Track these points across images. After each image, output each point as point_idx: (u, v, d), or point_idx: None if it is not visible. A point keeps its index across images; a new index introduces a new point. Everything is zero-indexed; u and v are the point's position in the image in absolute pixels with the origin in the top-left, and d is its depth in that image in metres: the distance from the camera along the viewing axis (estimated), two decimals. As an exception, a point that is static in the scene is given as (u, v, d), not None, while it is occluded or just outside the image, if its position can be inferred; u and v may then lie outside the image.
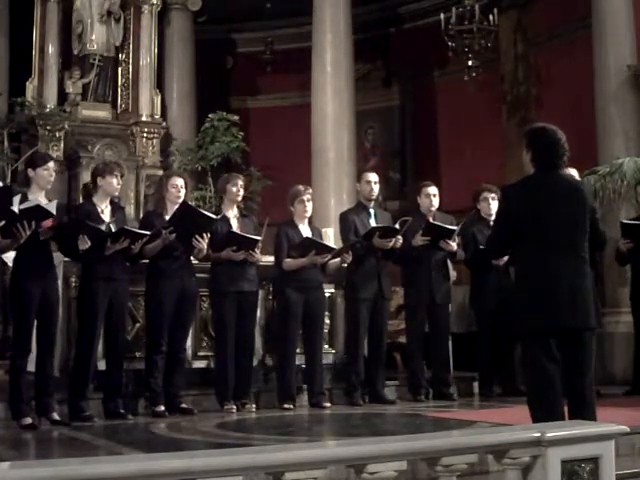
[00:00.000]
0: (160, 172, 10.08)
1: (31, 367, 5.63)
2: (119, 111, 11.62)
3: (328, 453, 2.99)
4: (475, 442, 3.21)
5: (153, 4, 11.67)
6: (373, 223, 6.98)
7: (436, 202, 7.25)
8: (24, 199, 5.55)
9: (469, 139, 12.01)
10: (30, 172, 5.73)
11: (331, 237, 8.00)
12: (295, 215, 6.80)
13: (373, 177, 7.10)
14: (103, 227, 5.91)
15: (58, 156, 10.29)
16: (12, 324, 6.01)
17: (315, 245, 6.65)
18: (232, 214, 6.65)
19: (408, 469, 3.10)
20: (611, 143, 8.94)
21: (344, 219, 7.09)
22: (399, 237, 6.79)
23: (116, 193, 6.35)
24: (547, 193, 4.20)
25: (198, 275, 6.46)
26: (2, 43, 11.16)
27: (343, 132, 10.88)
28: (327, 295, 7.12)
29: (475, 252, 7.20)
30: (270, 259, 6.92)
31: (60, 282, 6.13)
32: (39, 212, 5.38)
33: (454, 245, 7.07)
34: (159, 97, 11.71)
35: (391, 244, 6.78)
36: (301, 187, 6.86)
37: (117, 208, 6.32)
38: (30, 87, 10.94)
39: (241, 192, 6.71)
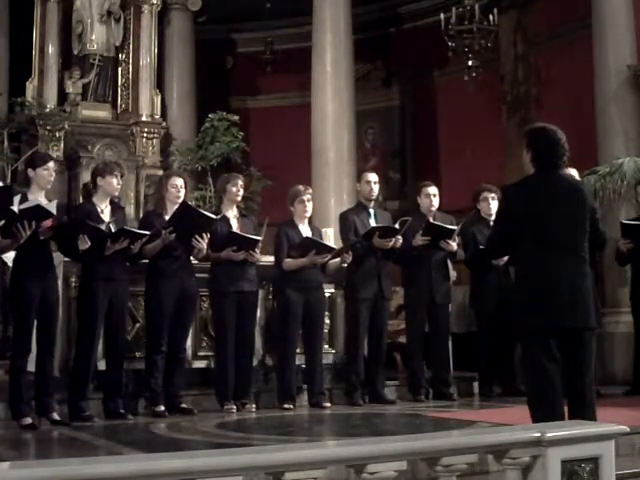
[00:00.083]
0: (160, 172, 10.08)
1: (31, 367, 5.63)
2: (119, 111, 11.62)
3: (328, 453, 2.99)
4: (475, 442, 3.21)
5: (153, 4, 11.67)
6: (373, 223, 6.98)
7: (436, 202, 7.25)
8: (24, 199, 5.55)
9: (469, 139, 12.01)
10: (30, 172, 5.73)
11: (331, 237, 8.00)
12: (295, 215, 6.80)
13: (373, 177, 7.10)
14: (103, 227, 5.90)
15: (58, 156, 10.29)
16: (12, 324, 6.01)
17: (315, 245, 6.65)
18: (232, 214, 6.64)
19: (408, 469, 3.10)
20: (611, 143, 8.94)
21: (344, 219, 7.09)
22: (399, 237, 6.80)
23: (116, 193, 6.35)
24: (547, 193, 4.20)
25: (198, 275, 6.46)
26: (2, 43, 11.16)
27: (343, 132, 10.88)
28: (327, 295, 7.12)
29: (475, 252, 7.20)
30: (270, 259, 6.92)
31: (60, 282, 6.13)
32: (39, 212, 5.38)
33: (454, 245, 7.07)
34: (159, 97, 11.71)
35: (391, 244, 6.78)
36: (301, 187, 6.86)
37: (117, 208, 6.32)
38: (30, 87, 10.94)
39: (241, 192, 6.71)
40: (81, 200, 9.46)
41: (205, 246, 6.25)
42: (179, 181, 6.43)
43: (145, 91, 11.56)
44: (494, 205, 7.26)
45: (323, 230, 7.67)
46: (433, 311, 7.17)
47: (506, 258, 6.70)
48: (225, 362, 6.42)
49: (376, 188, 7.08)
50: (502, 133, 11.63)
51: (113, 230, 5.93)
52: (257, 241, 6.44)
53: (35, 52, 11.05)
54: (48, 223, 5.42)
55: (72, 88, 11.22)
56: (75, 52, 11.42)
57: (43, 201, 5.61)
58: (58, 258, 5.97)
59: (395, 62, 13.42)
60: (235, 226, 6.57)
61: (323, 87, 10.95)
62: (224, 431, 5.46)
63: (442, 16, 10.94)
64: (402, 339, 8.24)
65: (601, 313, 7.58)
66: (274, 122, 13.39)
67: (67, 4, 11.36)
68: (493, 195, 7.38)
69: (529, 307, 4.12)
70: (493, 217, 6.64)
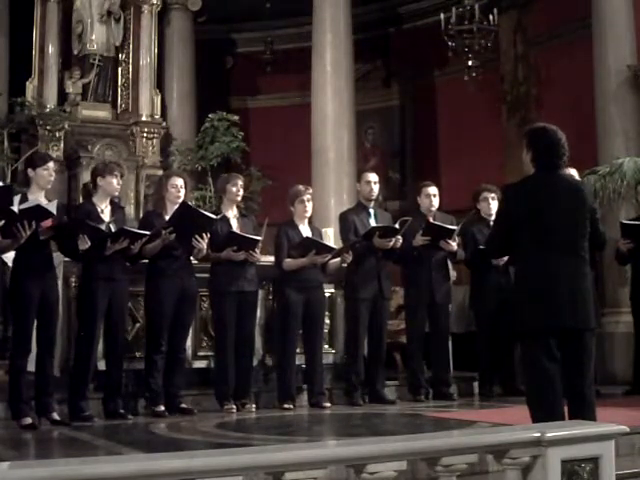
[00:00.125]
0: (160, 172, 10.08)
1: (31, 367, 5.63)
2: (119, 111, 11.62)
3: (328, 453, 2.99)
4: (475, 442, 3.21)
5: (153, 4, 11.67)
6: (373, 223, 6.98)
7: (436, 202, 7.25)
8: (24, 199, 5.55)
9: (469, 139, 12.01)
10: (30, 172, 5.73)
11: (331, 237, 8.00)
12: (295, 215, 6.80)
13: (373, 177, 7.10)
14: (103, 227, 5.90)
15: (58, 156, 10.30)
16: (12, 324, 6.00)
17: (315, 245, 6.65)
18: (232, 214, 6.64)
19: (408, 469, 3.09)
20: (611, 143, 8.93)
21: (344, 219, 7.09)
22: (399, 237, 6.79)
23: (116, 193, 6.35)
24: (547, 193, 4.19)
25: (198, 275, 6.46)
26: (2, 43, 11.17)
27: (343, 132, 10.87)
28: (327, 295, 7.12)
29: (475, 252, 7.20)
30: (270, 259, 6.92)
31: (60, 282, 6.13)
32: (39, 212, 5.38)
33: (454, 245, 7.07)
34: (159, 97, 11.71)
35: (391, 244, 6.78)
36: (301, 187, 6.86)
37: (117, 208, 6.32)
38: (30, 87, 10.94)
39: (241, 192, 6.71)
40: (81, 200, 9.47)
41: (205, 246, 6.25)
42: (179, 181, 6.43)
43: (145, 91, 11.56)
44: (494, 205, 7.26)
45: (323, 230, 7.67)
46: (433, 311, 7.17)
47: (506, 258, 6.70)
48: (225, 362, 6.42)
49: (376, 188, 7.08)
50: (502, 133, 11.63)
51: (113, 230, 5.93)
52: (257, 241, 6.44)
53: (35, 52, 11.06)
54: (48, 223, 5.42)
55: (72, 88, 11.22)
56: (75, 52, 11.42)
57: (43, 201, 5.61)
58: (58, 258, 5.97)
59: (395, 62, 13.42)
60: (235, 226, 6.57)
61: (323, 87, 10.95)
62: (224, 431, 5.46)
63: (442, 16, 10.94)
64: (402, 339, 8.24)
65: (600, 313, 7.60)
66: (274, 122, 13.39)
67: (67, 4, 11.36)
68: (493, 195, 7.38)
69: (529, 307, 4.12)
70: (493, 217, 6.65)
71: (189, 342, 6.68)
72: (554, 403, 4.03)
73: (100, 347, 6.05)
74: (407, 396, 7.18)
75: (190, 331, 6.63)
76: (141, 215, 9.44)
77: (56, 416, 5.64)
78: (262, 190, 11.58)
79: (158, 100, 11.67)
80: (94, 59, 11.29)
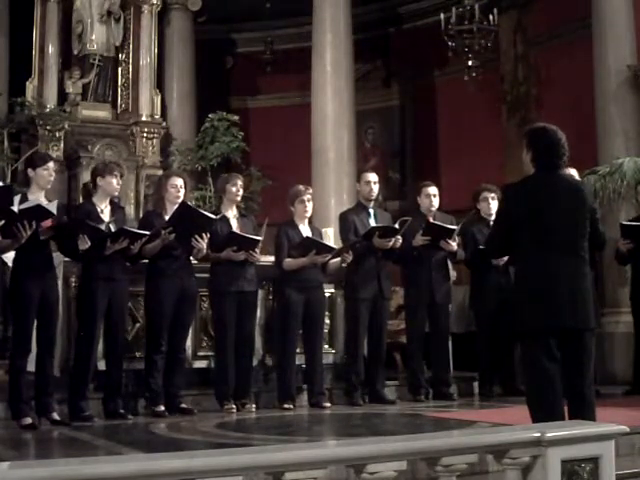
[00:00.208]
0: (160, 172, 10.07)
1: (31, 367, 5.63)
2: (119, 111, 11.62)
3: (328, 453, 2.99)
4: (475, 442, 3.21)
5: (153, 4, 11.67)
6: (373, 223, 6.98)
7: (436, 202, 7.25)
8: (24, 199, 5.55)
9: (469, 139, 12.01)
10: (30, 172, 5.73)
11: (331, 237, 8.00)
12: (295, 215, 6.80)
13: (373, 177, 7.10)
14: (103, 227, 5.90)
15: (58, 156, 10.30)
16: (12, 324, 6.00)
17: (315, 245, 6.65)
18: (231, 214, 6.64)
19: (408, 469, 3.09)
20: (611, 143, 8.93)
21: (344, 219, 7.09)
22: (399, 237, 6.79)
23: (116, 193, 6.35)
24: (547, 193, 4.19)
25: (198, 275, 6.46)
26: (2, 43, 11.16)
27: (343, 132, 10.87)
28: (327, 295, 7.12)
29: (475, 252, 7.20)
30: (270, 259, 6.92)
31: (60, 282, 6.13)
32: (39, 212, 5.38)
33: (454, 245, 7.07)
34: (159, 97, 11.71)
35: (391, 244, 6.78)
36: (301, 187, 6.86)
37: (117, 208, 6.32)
38: (30, 87, 10.94)
39: (240, 192, 6.71)
40: (81, 200, 9.47)
41: (205, 246, 6.25)
42: (179, 181, 6.43)
43: (145, 91, 11.56)
44: (494, 205, 7.26)
45: (323, 230, 7.67)
46: (433, 311, 7.17)
47: (506, 258, 6.70)
48: (225, 362, 6.42)
49: (376, 188, 7.08)
50: (502, 133, 11.63)
51: (113, 230, 5.93)
52: (257, 241, 6.44)
53: (35, 52, 11.06)
54: (48, 223, 5.42)
55: (72, 88, 11.22)
56: (75, 52, 11.42)
57: (43, 201, 5.61)
58: (58, 258, 5.97)
59: (395, 62, 13.42)
60: (235, 226, 6.57)
61: (323, 87, 10.95)
62: (224, 431, 5.46)
63: (442, 16, 10.94)
64: (402, 339, 8.24)
65: (600, 313, 7.60)
66: (274, 122, 13.39)
67: (67, 4, 11.36)
68: (493, 195, 7.38)
69: (529, 307, 4.12)
70: (493, 217, 6.64)
71: (189, 342, 6.68)
72: (554, 403, 4.03)
73: (100, 347, 6.05)
74: (407, 396, 7.18)
75: (190, 331, 6.63)
76: (141, 215, 9.44)
77: (56, 416, 5.64)
78: (262, 190, 11.58)
79: (158, 100, 11.67)
80: (94, 59, 11.29)
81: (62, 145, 10.80)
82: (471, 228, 7.42)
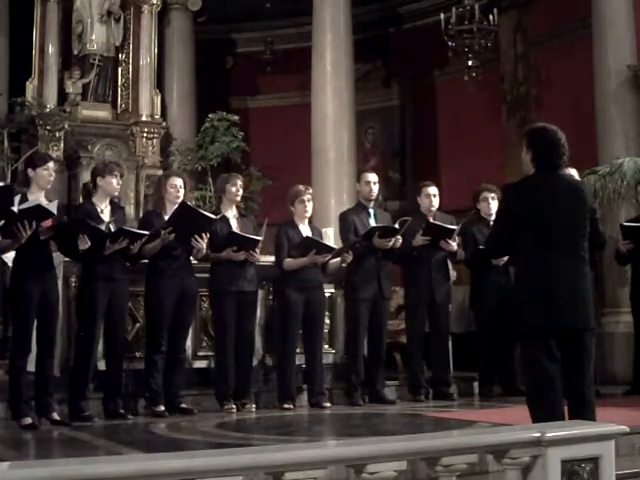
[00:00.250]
0: (160, 172, 10.07)
1: (31, 367, 5.63)
2: (119, 111, 11.62)
3: (328, 453, 2.99)
4: (475, 442, 3.21)
5: (153, 4, 11.67)
6: (373, 223, 6.98)
7: (436, 202, 7.25)
8: (24, 199, 5.55)
9: (469, 139, 12.01)
10: (30, 172, 5.73)
11: (331, 237, 8.00)
12: (295, 215, 6.80)
13: (372, 177, 7.10)
14: (103, 227, 5.90)
15: (58, 156, 10.30)
16: (12, 324, 6.00)
17: (315, 245, 6.65)
18: (231, 214, 6.65)
19: (408, 469, 3.09)
20: (611, 143, 8.94)
21: (344, 219, 7.09)
22: (399, 237, 6.79)
23: (116, 193, 6.35)
24: (547, 193, 4.19)
25: (198, 275, 6.46)
26: (2, 43, 11.16)
27: (343, 132, 10.88)
28: (327, 295, 7.12)
29: (475, 252, 7.20)
30: (270, 259, 6.92)
31: (60, 282, 6.13)
32: (39, 212, 5.38)
33: (454, 245, 7.07)
34: (159, 97, 11.71)
35: (391, 244, 6.78)
36: (301, 187, 6.86)
37: (117, 208, 6.32)
38: (30, 87, 10.94)
39: (240, 192, 6.71)
40: (81, 200, 9.46)
41: (204, 246, 6.25)
42: (178, 181, 6.43)
43: (145, 91, 11.56)
44: (494, 205, 7.26)
45: (323, 230, 7.67)
46: (433, 311, 7.17)
47: (506, 258, 6.70)
48: (225, 362, 6.42)
49: (376, 188, 7.08)
50: (502, 133, 11.63)
51: (113, 230, 5.93)
52: (257, 241, 6.44)
53: (35, 52, 11.06)
54: (48, 223, 5.42)
55: (72, 88, 11.22)
56: (75, 52, 11.42)
57: (43, 201, 5.61)
58: (58, 258, 5.97)
59: (395, 62, 13.42)
60: (235, 226, 6.57)
61: (323, 87, 10.95)
62: (224, 431, 5.46)
63: (442, 16, 10.94)
64: (402, 339, 8.24)
65: (600, 313, 7.59)
66: (274, 122, 13.39)
67: (67, 4, 11.36)
68: (493, 195, 7.38)
69: (529, 307, 4.12)
70: (493, 217, 6.64)
71: (189, 342, 6.68)
72: (554, 403, 4.03)
73: (100, 347, 6.05)
74: (407, 396, 7.18)
75: (190, 331, 6.63)
76: (141, 215, 9.44)
77: (56, 416, 5.64)
78: (262, 190, 11.58)
79: (158, 100, 11.67)
80: (94, 59, 11.29)
81: (62, 145, 10.80)
82: (471, 228, 7.42)
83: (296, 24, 13.15)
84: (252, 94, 14.04)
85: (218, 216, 6.45)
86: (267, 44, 13.68)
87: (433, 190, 7.27)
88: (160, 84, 11.90)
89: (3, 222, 5.22)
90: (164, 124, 11.72)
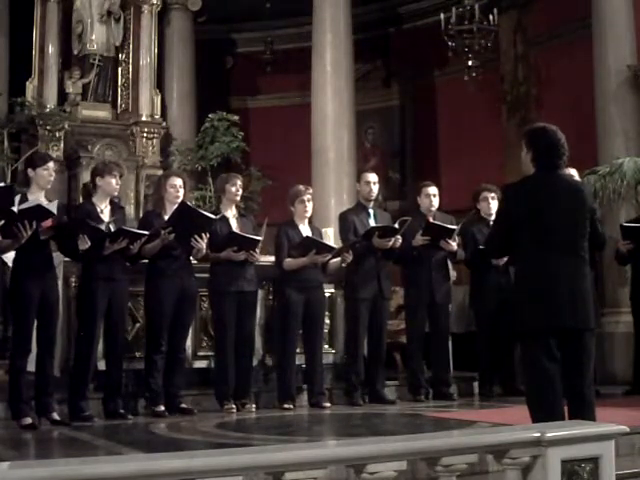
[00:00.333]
0: (160, 172, 10.06)
1: (31, 367, 5.63)
2: (119, 111, 11.62)
3: (328, 453, 2.99)
4: (475, 442, 3.21)
5: (153, 4, 11.67)
6: (372, 223, 6.98)
7: (436, 202, 7.25)
8: (24, 199, 5.55)
9: (469, 139, 12.01)
10: (30, 172, 5.74)
11: (331, 237, 8.00)
12: (295, 215, 6.80)
13: (372, 177, 7.10)
14: (103, 227, 5.90)
15: (58, 156, 10.29)
16: (12, 324, 6.00)
17: (315, 244, 6.65)
18: (231, 214, 6.65)
19: (408, 469, 3.09)
20: (611, 143, 8.94)
21: (343, 219, 7.09)
22: (398, 237, 6.79)
23: (115, 193, 6.35)
24: (547, 193, 4.19)
25: (198, 275, 6.46)
26: (2, 43, 11.16)
27: (343, 132, 10.88)
28: (327, 295, 7.12)
29: (475, 252, 7.20)
30: (270, 259, 6.92)
31: (60, 282, 6.13)
32: (39, 212, 5.38)
33: (454, 245, 7.07)
34: (159, 97, 11.71)
35: (390, 244, 6.78)
36: (301, 187, 6.86)
37: (117, 208, 6.32)
38: (30, 87, 10.94)
39: (240, 192, 6.71)
40: (81, 200, 9.46)
41: (204, 246, 6.25)
42: (178, 181, 6.43)
43: (145, 91, 11.56)
44: (494, 205, 7.26)
45: (323, 230, 7.67)
46: (433, 311, 7.17)
47: (506, 258, 6.70)
48: (225, 362, 6.42)
49: (375, 188, 7.08)
50: (502, 133, 11.63)
51: (113, 230, 5.93)
52: (257, 241, 6.44)
53: (35, 52, 11.05)
54: (48, 223, 5.42)
55: (72, 88, 11.22)
56: (75, 52, 11.42)
57: (43, 201, 5.61)
58: (58, 258, 5.97)
59: (395, 62, 13.42)
60: (234, 226, 6.57)
61: (323, 87, 10.95)
62: (224, 431, 5.46)
63: (442, 16, 10.94)
64: (402, 339, 8.24)
65: (600, 313, 7.59)
66: (274, 122, 13.39)
67: (67, 4, 11.36)
68: (493, 195, 7.38)
69: (529, 307, 4.12)
70: (493, 217, 6.64)
71: (189, 342, 6.68)
72: (554, 403, 4.03)
73: (100, 347, 6.05)
74: (407, 396, 7.18)
75: (190, 331, 6.63)
76: (141, 215, 9.44)
77: (56, 416, 5.64)
78: (262, 190, 11.58)
79: (158, 100, 11.67)
80: (94, 59, 11.29)
81: (62, 145, 10.80)
82: (471, 228, 7.42)
83: (296, 24, 13.15)
84: (252, 94, 14.04)
85: (218, 216, 6.45)
86: (267, 44, 13.68)
87: (433, 190, 7.27)
88: (160, 84, 11.90)
89: (3, 222, 5.22)
90: (164, 124, 11.72)
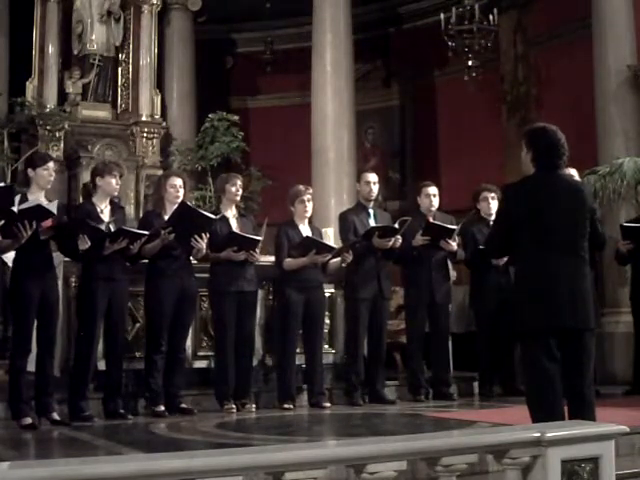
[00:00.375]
0: (160, 172, 10.06)
1: (31, 367, 5.63)
2: (119, 111, 11.62)
3: (328, 453, 2.99)
4: (475, 442, 3.21)
5: (153, 4, 11.67)
6: (372, 223, 6.98)
7: (436, 202, 7.25)
8: (24, 199, 5.55)
9: (469, 139, 12.01)
10: (30, 172, 5.74)
11: (331, 237, 8.00)
12: (295, 215, 6.80)
13: (372, 177, 7.10)
14: (103, 227, 5.90)
15: (58, 156, 10.30)
16: (12, 324, 6.00)
17: (315, 244, 6.65)
18: (231, 214, 6.65)
19: (408, 469, 3.09)
20: (611, 143, 8.94)
21: (343, 219, 7.09)
22: (398, 237, 6.79)
23: (115, 193, 6.35)
24: (547, 193, 4.19)
25: (198, 275, 6.46)
26: (2, 43, 11.16)
27: (343, 132, 10.88)
28: (327, 295, 7.12)
29: (475, 252, 7.20)
30: (270, 259, 6.92)
31: (60, 282, 6.13)
32: (39, 212, 5.38)
33: (454, 245, 7.07)
34: (159, 97, 11.71)
35: (390, 244, 6.78)
36: (301, 187, 6.87)
37: (117, 208, 6.32)
38: (30, 87, 10.94)
39: (239, 192, 6.71)
40: (81, 200, 9.46)
41: (204, 246, 6.25)
42: (178, 181, 6.43)
43: (145, 91, 11.56)
44: (494, 205, 7.26)
45: (323, 230, 7.67)
46: (433, 311, 7.17)
47: (506, 258, 6.70)
48: (225, 362, 6.42)
49: (375, 188, 7.08)
50: (502, 133, 11.64)
51: (113, 230, 5.93)
52: (257, 241, 6.44)
53: (35, 52, 11.06)
54: (48, 223, 5.42)
55: (72, 88, 11.22)
56: (75, 52, 11.42)
57: (43, 201, 5.61)
58: (58, 258, 5.97)
59: (395, 62, 13.42)
60: (234, 226, 6.57)
61: (323, 87, 10.95)
62: (224, 431, 5.46)
63: (442, 16, 10.94)
64: (402, 339, 8.24)
65: (600, 313, 7.59)
66: (274, 122, 13.39)
67: (67, 4, 11.36)
68: (493, 195, 7.38)
69: (529, 307, 4.12)
70: (493, 217, 6.64)
71: (189, 342, 6.68)
72: (554, 403, 4.03)
73: (100, 347, 6.05)
74: (407, 396, 7.18)
75: (190, 331, 6.63)
76: (141, 215, 9.44)
77: (56, 416, 5.64)
78: (262, 190, 11.58)
79: (158, 100, 11.67)
80: (94, 59, 11.29)
81: (62, 145, 10.80)
82: (471, 228, 7.42)
83: (296, 24, 13.15)
84: (252, 94, 14.04)
85: (218, 216, 6.45)
86: (267, 44, 13.68)
87: (433, 190, 7.27)
88: (160, 84, 11.90)
89: (3, 222, 5.22)
90: (164, 124, 11.72)
